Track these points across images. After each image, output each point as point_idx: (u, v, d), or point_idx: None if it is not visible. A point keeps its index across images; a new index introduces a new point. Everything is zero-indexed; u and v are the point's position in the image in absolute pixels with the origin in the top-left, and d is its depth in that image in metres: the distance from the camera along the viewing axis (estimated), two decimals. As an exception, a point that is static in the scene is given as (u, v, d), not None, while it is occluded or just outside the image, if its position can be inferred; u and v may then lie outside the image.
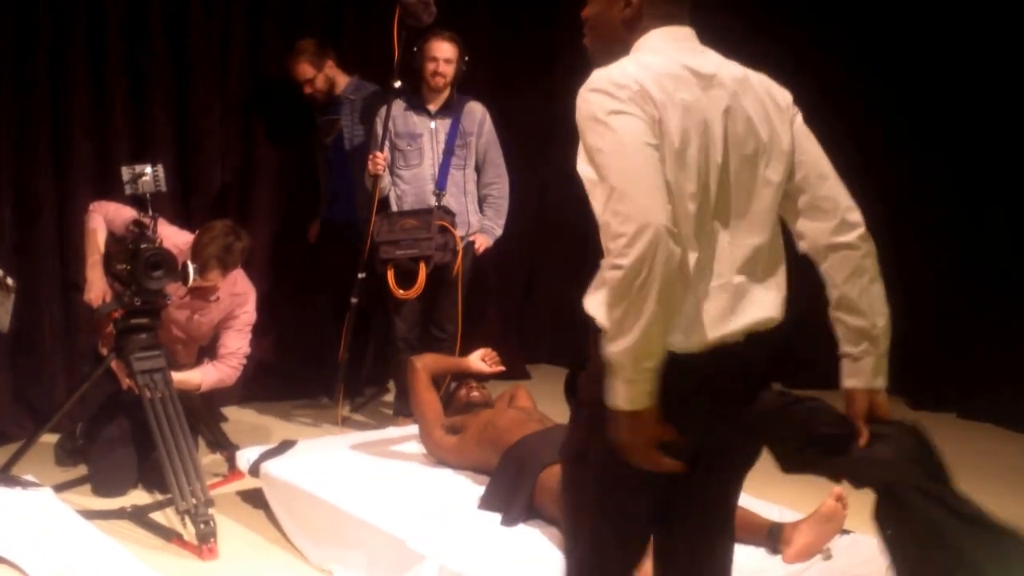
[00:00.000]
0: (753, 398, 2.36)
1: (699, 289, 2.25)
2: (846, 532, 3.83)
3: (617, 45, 2.38)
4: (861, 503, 4.06)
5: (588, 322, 2.31)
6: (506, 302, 7.65)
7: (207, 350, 5.29)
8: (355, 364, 6.36)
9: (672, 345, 2.17)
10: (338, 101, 6.27)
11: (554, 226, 7.66)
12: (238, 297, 5.16)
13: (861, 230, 2.40)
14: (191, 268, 4.61)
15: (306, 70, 6.17)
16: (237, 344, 5.15)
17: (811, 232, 2.40)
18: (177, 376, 4.77)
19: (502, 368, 5.05)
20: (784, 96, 2.42)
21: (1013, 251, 6.44)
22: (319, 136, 6.37)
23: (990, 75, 6.48)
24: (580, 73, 2.28)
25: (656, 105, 2.17)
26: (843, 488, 3.68)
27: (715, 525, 2.54)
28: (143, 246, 4.55)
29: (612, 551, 2.43)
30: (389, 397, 6.69)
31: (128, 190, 4.69)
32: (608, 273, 2.09)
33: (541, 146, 7.44)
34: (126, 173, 4.68)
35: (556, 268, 7.73)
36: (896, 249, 6.77)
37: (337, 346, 5.97)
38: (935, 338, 6.69)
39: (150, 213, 4.68)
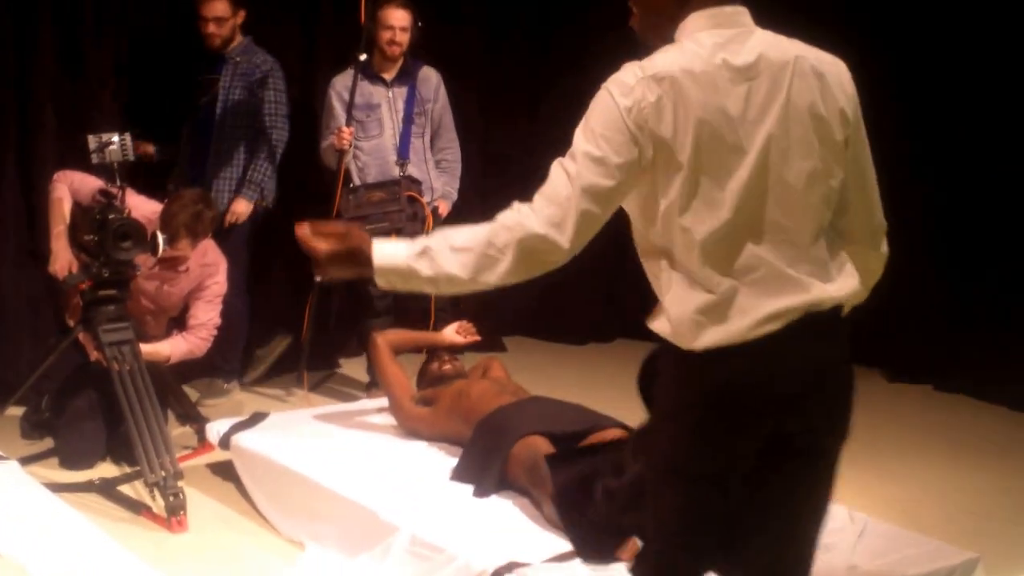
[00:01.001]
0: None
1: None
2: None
3: (665, 25, 2.29)
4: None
5: (656, 338, 2.28)
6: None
7: (177, 321, 5.24)
8: (320, 339, 6.29)
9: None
10: (223, 60, 6.03)
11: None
12: (208, 268, 5.11)
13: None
14: (160, 238, 4.56)
15: (223, 8, 5.92)
16: (207, 315, 5.10)
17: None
18: (146, 348, 4.72)
19: (477, 339, 5.02)
20: (843, 82, 2.28)
21: (990, 224, 6.45)
22: (196, 95, 6.08)
23: (968, 59, 6.48)
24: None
25: (662, 119, 2.13)
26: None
27: (782, 558, 2.36)
28: (111, 216, 4.49)
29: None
30: (356, 370, 6.65)
31: (95, 159, 4.63)
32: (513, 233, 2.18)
33: (515, 117, 7.43)
34: (93, 142, 4.62)
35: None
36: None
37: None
38: (912, 311, 6.69)
39: (118, 183, 4.62)
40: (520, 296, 7.78)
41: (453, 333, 4.98)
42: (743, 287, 2.16)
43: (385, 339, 4.86)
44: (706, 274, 2.16)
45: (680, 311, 2.18)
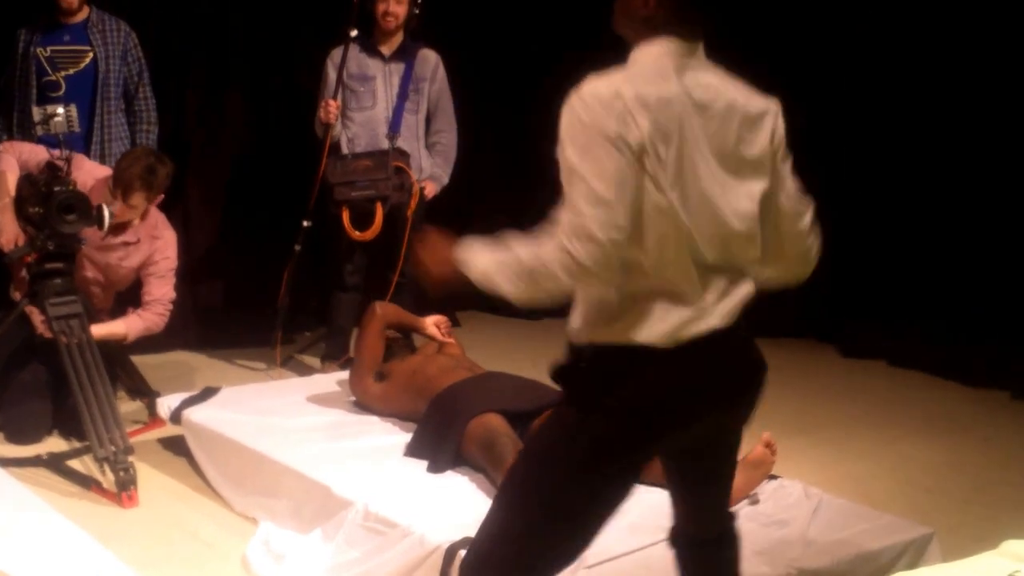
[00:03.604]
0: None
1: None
2: (774, 477, 3.85)
3: (632, 38, 2.34)
4: (790, 449, 4.08)
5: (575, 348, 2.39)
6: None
7: (126, 295, 5.17)
8: (293, 311, 6.25)
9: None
10: (78, 30, 5.56)
11: (486, 175, 7.56)
12: (158, 241, 5.04)
13: None
14: (106, 211, 4.49)
15: None
16: (161, 290, 5.05)
17: None
18: (103, 329, 4.71)
19: (451, 341, 4.94)
20: (765, 120, 2.37)
21: (943, 198, 6.48)
22: (39, 64, 5.48)
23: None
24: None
25: (638, 124, 2.17)
26: (771, 435, 3.70)
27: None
28: (56, 188, 4.43)
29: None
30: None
31: (40, 131, 4.57)
32: (558, 253, 2.19)
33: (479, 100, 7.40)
34: (37, 114, 4.57)
35: (487, 216, 7.63)
36: (826, 195, 6.86)
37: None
38: (864, 287, 6.73)
39: (63, 154, 4.55)
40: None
41: (433, 326, 4.92)
42: None
43: (384, 310, 4.79)
44: None
45: None
